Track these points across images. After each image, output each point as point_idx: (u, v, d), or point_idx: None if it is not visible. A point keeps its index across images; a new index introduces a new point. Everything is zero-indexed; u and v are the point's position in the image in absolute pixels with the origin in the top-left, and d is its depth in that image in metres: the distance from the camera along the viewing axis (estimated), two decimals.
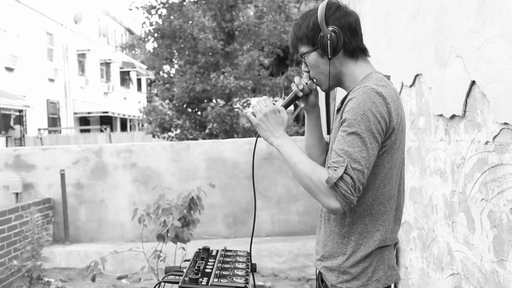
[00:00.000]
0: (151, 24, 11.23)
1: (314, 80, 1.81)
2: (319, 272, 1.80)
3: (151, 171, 6.54)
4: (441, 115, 2.48)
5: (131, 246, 5.56)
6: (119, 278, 5.72)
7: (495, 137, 1.87)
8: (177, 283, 1.78)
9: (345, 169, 1.50)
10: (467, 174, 2.16)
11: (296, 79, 1.84)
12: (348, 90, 1.76)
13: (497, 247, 1.88)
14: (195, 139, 10.57)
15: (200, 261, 1.96)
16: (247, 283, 1.77)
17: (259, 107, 1.76)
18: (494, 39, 1.84)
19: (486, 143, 1.96)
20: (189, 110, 11.46)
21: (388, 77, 1.76)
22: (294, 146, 1.70)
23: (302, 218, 6.39)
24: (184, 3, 11.14)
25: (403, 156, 1.74)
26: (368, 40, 4.20)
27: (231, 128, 10.57)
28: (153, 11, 11.26)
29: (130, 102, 33.14)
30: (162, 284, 1.97)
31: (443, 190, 2.48)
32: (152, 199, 6.08)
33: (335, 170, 1.51)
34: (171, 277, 2.01)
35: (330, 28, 1.65)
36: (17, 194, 6.59)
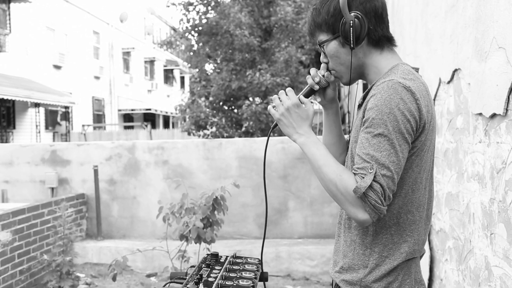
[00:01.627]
0: (188, 21, 11.23)
1: (333, 72, 1.62)
2: (336, 284, 1.62)
3: (183, 169, 6.48)
4: (480, 114, 2.29)
5: (158, 245, 5.52)
6: (148, 275, 5.68)
7: None
8: None
9: (374, 177, 1.32)
10: (508, 180, 1.95)
11: (312, 70, 1.66)
12: (371, 83, 1.56)
13: None
14: (230, 137, 10.52)
15: (205, 268, 1.83)
16: None
17: (281, 100, 1.58)
18: None
19: None
20: (225, 107, 11.43)
21: (417, 70, 1.55)
22: (320, 146, 1.52)
23: (336, 220, 6.16)
24: None
25: (433, 158, 1.55)
26: (406, 33, 4.03)
27: (267, 126, 10.45)
28: (190, 8, 11.26)
29: (173, 100, 33.56)
30: None
31: (482, 198, 2.28)
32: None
33: (363, 177, 1.34)
34: (175, 285, 1.88)
35: (353, 14, 1.46)
36: (52, 188, 6.67)
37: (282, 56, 10.70)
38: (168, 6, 11.47)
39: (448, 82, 2.82)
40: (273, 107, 1.61)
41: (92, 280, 5.50)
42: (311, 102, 1.69)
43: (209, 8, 10.97)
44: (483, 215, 2.24)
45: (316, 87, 1.64)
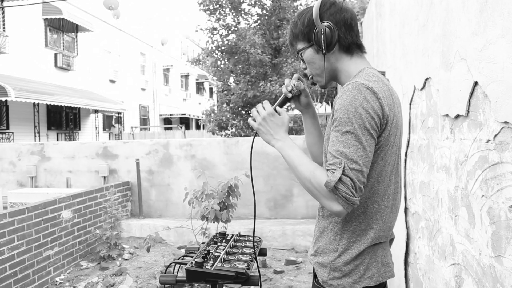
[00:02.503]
0: (212, 43, 11.18)
1: (310, 77, 1.51)
2: (313, 267, 1.49)
3: (207, 162, 6.43)
4: (447, 115, 2.16)
5: (185, 223, 5.47)
6: (179, 248, 5.64)
7: (495, 135, 1.54)
8: (186, 264, 1.58)
9: (343, 171, 1.20)
10: (469, 171, 1.83)
11: (286, 81, 1.55)
12: (343, 85, 1.44)
13: (495, 243, 1.54)
14: (247, 136, 10.43)
15: (213, 245, 1.77)
16: (249, 268, 1.54)
17: (258, 112, 1.47)
18: (495, 39, 1.51)
19: (487, 141, 1.63)
20: (243, 112, 11.33)
21: (383, 73, 1.45)
22: (295, 148, 1.39)
23: None
24: (239, 24, 11.01)
25: (399, 153, 1.43)
26: (387, 50, 3.88)
27: None
28: (214, 32, 11.19)
29: (203, 106, 33.57)
30: (175, 264, 1.77)
31: (448, 185, 2.16)
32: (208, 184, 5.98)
33: (333, 172, 1.22)
34: (187, 257, 1.81)
35: (325, 23, 1.36)
36: (104, 177, 6.68)
37: (289, 69, 10.62)
38: (197, 31, 11.42)
39: (421, 89, 2.69)
40: (253, 119, 1.49)
41: (135, 251, 5.49)
42: (287, 110, 1.59)
43: (229, 31, 10.89)
44: (449, 200, 2.13)
45: (289, 95, 1.53)
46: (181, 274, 1.65)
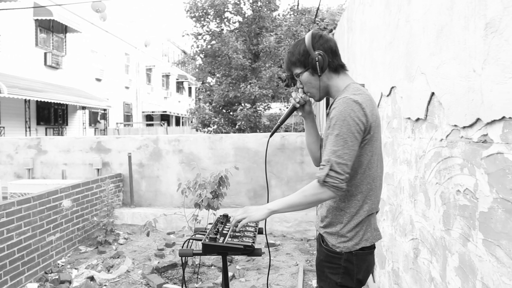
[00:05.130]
0: (197, 47, 11.24)
1: (308, 94, 1.77)
2: (320, 234, 1.76)
3: (193, 156, 6.56)
4: (409, 118, 2.41)
5: (177, 211, 5.61)
6: (168, 233, 5.78)
7: (447, 135, 1.80)
8: (201, 240, 1.77)
9: (330, 166, 1.48)
10: (426, 163, 2.10)
11: (293, 94, 1.80)
12: (334, 98, 1.70)
13: (445, 219, 1.81)
14: (227, 133, 10.59)
15: (219, 225, 1.95)
16: (254, 242, 1.75)
17: (239, 217, 1.66)
18: (448, 60, 1.77)
19: (441, 140, 1.89)
20: (224, 111, 11.44)
21: (363, 85, 1.71)
22: (278, 200, 1.62)
23: None
24: (222, 31, 11.11)
25: (380, 146, 1.69)
26: (357, 60, 4.11)
27: (254, 125, 10.53)
28: (199, 37, 11.25)
29: (183, 105, 33.41)
30: (191, 240, 1.97)
31: (409, 176, 2.42)
32: (193, 176, 6.13)
33: (322, 169, 1.50)
34: (198, 236, 2.00)
35: (317, 52, 1.62)
36: (98, 169, 6.71)
37: (267, 73, 10.76)
38: (183, 36, 11.45)
39: (387, 95, 2.90)
40: (237, 221, 1.66)
41: (129, 236, 5.60)
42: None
43: (213, 37, 10.99)
44: (410, 188, 2.38)
45: (297, 105, 1.79)
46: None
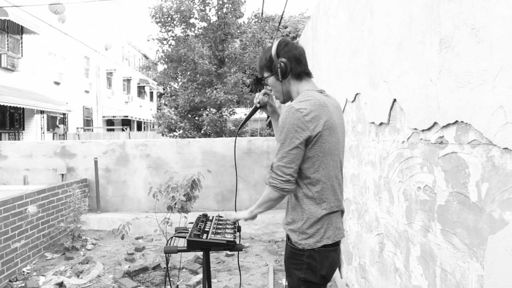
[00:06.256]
0: (162, 52, 11.16)
1: (273, 96, 1.95)
2: (287, 234, 1.84)
3: (161, 160, 6.55)
4: (373, 122, 2.55)
5: (146, 215, 5.59)
6: (137, 238, 5.74)
7: (408, 138, 1.97)
8: (185, 237, 1.86)
9: (272, 169, 1.68)
10: (389, 164, 2.25)
11: (256, 94, 1.98)
12: None
13: (408, 214, 1.98)
14: (193, 137, 10.57)
15: (201, 223, 2.04)
16: (235, 238, 1.86)
17: (233, 220, 1.99)
18: (408, 70, 1.94)
19: (403, 142, 2.05)
20: (190, 116, 11.39)
21: (322, 91, 1.81)
22: (254, 206, 1.82)
23: None
24: (188, 36, 11.11)
25: (339, 147, 1.75)
26: (322, 67, 4.27)
27: (220, 130, 10.59)
28: (164, 42, 11.19)
29: (144, 109, 32.87)
30: (173, 238, 2.05)
31: (373, 176, 2.56)
32: (161, 180, 6.12)
33: (269, 172, 1.71)
34: (181, 234, 2.08)
35: (280, 60, 1.75)
36: (62, 175, 6.56)
37: (232, 79, 10.81)
38: (148, 40, 11.34)
39: (352, 101, 3.05)
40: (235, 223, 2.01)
41: (96, 242, 5.51)
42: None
43: (179, 42, 10.96)
44: (375, 187, 2.55)
45: (258, 105, 1.97)
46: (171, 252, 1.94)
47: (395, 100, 2.14)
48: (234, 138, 6.57)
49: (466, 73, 1.43)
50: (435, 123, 1.67)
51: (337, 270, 3.71)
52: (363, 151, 2.81)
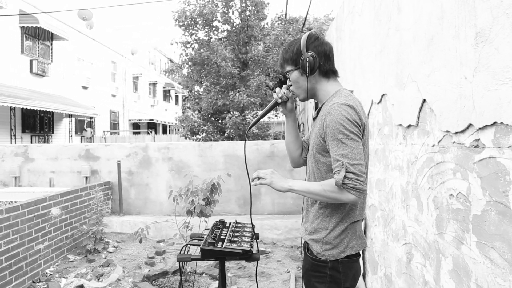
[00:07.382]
0: (186, 55, 11.23)
1: (293, 92, 1.77)
2: (305, 242, 1.73)
3: (183, 163, 6.54)
4: (400, 124, 2.45)
5: (167, 218, 5.57)
6: (158, 241, 5.73)
7: (439, 141, 1.84)
8: (199, 245, 1.77)
9: (346, 169, 1.45)
10: (418, 169, 2.13)
11: (277, 89, 1.80)
12: (321, 102, 1.71)
13: (438, 223, 1.84)
14: (216, 141, 10.57)
15: (216, 230, 1.96)
16: (252, 247, 1.76)
17: (263, 173, 1.68)
18: (439, 68, 1.81)
19: (433, 146, 1.93)
20: (213, 119, 11.42)
21: (352, 91, 1.73)
22: (301, 181, 1.64)
23: (295, 201, 6.35)
24: (211, 39, 11.14)
25: (367, 151, 1.69)
26: (347, 68, 4.16)
27: (243, 133, 10.55)
28: (188, 45, 11.26)
29: (170, 113, 33.31)
30: (188, 245, 1.97)
31: (401, 181, 2.45)
32: (183, 184, 6.10)
33: (339, 173, 1.46)
34: (195, 241, 2.00)
35: (309, 53, 1.62)
36: (86, 177, 6.65)
37: (255, 81, 10.77)
38: (172, 44, 11.44)
39: (378, 103, 2.93)
40: (258, 178, 1.68)
41: (118, 244, 5.53)
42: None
43: (202, 45, 11.01)
44: (402, 193, 2.41)
45: (279, 100, 1.79)
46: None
47: (424, 100, 2.01)
48: (257, 141, 6.56)
49: (506, 69, 1.29)
50: (470, 125, 1.52)
51: (362, 279, 3.55)
52: (389, 155, 2.68)
